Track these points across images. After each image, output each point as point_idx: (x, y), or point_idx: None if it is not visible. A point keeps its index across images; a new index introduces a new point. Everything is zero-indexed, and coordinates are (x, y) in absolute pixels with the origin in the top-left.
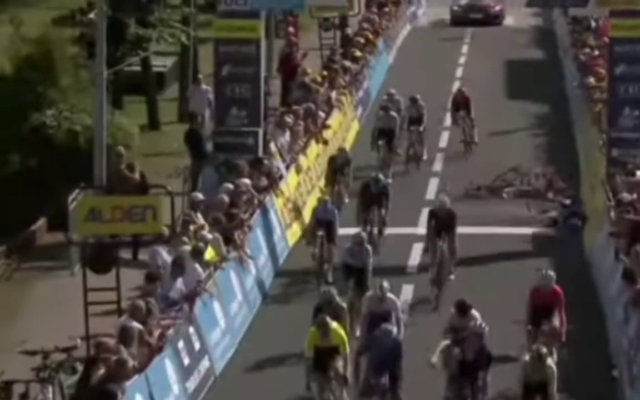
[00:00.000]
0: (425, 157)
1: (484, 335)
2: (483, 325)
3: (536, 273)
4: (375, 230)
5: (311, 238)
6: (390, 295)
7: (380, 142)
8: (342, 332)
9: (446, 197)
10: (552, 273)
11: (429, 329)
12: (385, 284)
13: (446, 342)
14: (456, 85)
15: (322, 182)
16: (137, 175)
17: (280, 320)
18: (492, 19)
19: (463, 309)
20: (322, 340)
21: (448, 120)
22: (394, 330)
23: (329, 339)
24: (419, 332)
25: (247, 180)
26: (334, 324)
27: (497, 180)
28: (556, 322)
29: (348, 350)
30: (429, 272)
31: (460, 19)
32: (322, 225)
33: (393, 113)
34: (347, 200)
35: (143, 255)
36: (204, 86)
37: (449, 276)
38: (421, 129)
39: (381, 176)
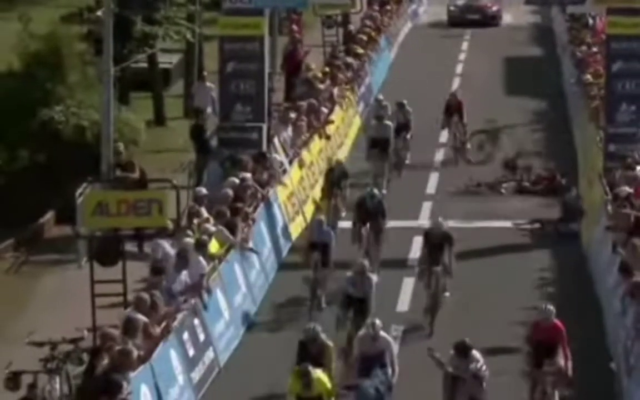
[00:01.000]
0: (408, 161)
1: (484, 380)
2: (484, 368)
3: (536, 309)
4: (372, 252)
5: (305, 260)
6: (383, 334)
7: (374, 152)
8: (326, 380)
9: (441, 218)
10: (551, 307)
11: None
12: (378, 322)
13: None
14: (456, 82)
15: (317, 191)
16: (136, 172)
17: (283, 312)
18: (489, 20)
19: (463, 350)
20: (305, 390)
21: None
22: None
23: (311, 390)
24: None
25: (247, 175)
26: (317, 373)
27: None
28: (560, 360)
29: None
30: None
31: (457, 20)
32: (317, 247)
33: (387, 122)
34: (344, 214)
35: (148, 248)
36: (208, 83)
37: (443, 293)
38: (408, 136)
39: (376, 191)
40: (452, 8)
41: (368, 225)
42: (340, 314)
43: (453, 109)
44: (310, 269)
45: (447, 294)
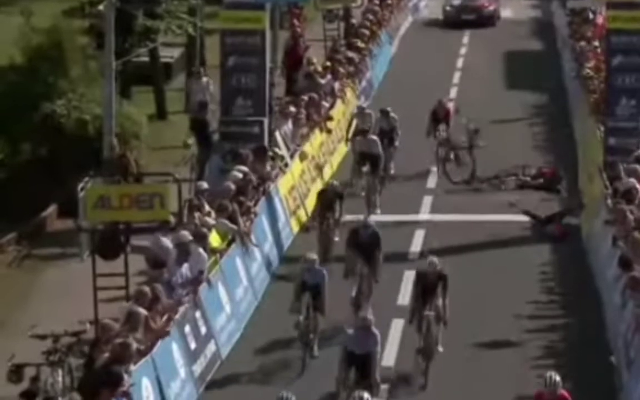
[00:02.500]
0: (392, 171)
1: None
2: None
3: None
4: (365, 286)
5: (294, 303)
6: None
7: (364, 169)
8: None
9: (435, 258)
10: (557, 378)
11: None
12: (366, 395)
13: None
14: (457, 76)
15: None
16: (131, 164)
17: (284, 306)
18: (485, 20)
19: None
20: None
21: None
22: None
23: None
24: None
25: (244, 168)
26: None
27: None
28: None
29: None
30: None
31: (452, 20)
32: (308, 289)
33: (373, 136)
34: (337, 238)
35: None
36: (204, 79)
37: (436, 346)
38: (396, 144)
39: (371, 221)
40: (447, 8)
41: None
42: (340, 375)
43: (440, 117)
44: (300, 314)
45: (440, 348)
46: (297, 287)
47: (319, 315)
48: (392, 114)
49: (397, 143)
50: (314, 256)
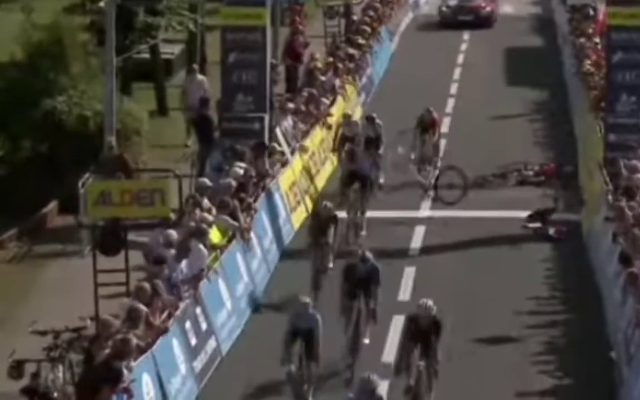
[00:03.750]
0: (382, 180)
1: None
2: None
3: None
4: (362, 322)
5: (285, 351)
6: None
7: (354, 186)
8: None
9: (430, 301)
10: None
11: None
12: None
13: None
14: (457, 72)
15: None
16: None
17: (285, 302)
18: (482, 21)
19: None
20: None
21: (450, 106)
22: None
23: None
24: None
25: (244, 164)
26: None
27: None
28: None
29: None
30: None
31: (448, 21)
32: (300, 336)
33: (363, 155)
34: (331, 265)
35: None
36: (199, 77)
37: (429, 394)
38: (380, 151)
39: (369, 254)
40: (443, 9)
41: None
42: None
43: (427, 126)
44: (292, 364)
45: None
46: (286, 334)
47: (312, 364)
48: (377, 121)
49: (381, 150)
50: (306, 299)
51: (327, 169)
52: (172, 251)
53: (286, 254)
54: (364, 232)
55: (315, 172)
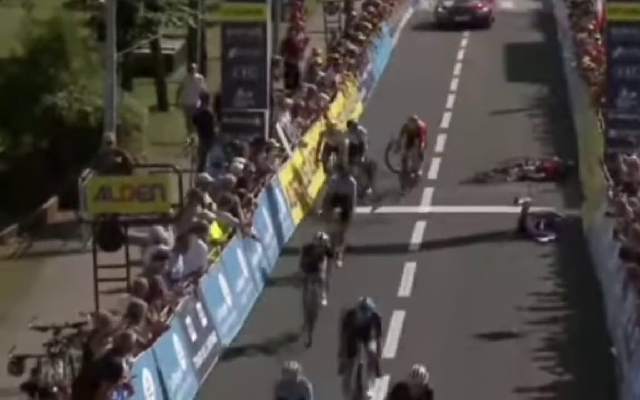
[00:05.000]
0: (370, 190)
1: None
2: None
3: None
4: (363, 375)
5: None
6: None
7: (336, 211)
8: None
9: (423, 368)
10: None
11: None
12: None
13: None
14: (458, 68)
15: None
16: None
17: (285, 297)
18: (479, 21)
19: None
20: None
21: (450, 102)
22: None
23: None
24: None
25: (242, 160)
26: None
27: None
28: None
29: None
30: None
31: (444, 22)
32: None
33: (351, 178)
34: (325, 302)
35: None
36: (197, 75)
37: None
38: (363, 159)
39: (370, 301)
40: (440, 9)
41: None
42: None
43: (412, 135)
44: None
45: None
46: None
47: None
48: (359, 127)
49: (363, 158)
50: (294, 366)
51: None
52: (162, 246)
53: (286, 250)
54: (340, 263)
55: (314, 168)
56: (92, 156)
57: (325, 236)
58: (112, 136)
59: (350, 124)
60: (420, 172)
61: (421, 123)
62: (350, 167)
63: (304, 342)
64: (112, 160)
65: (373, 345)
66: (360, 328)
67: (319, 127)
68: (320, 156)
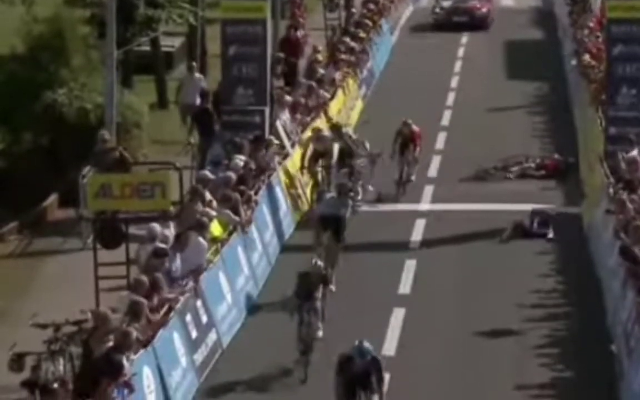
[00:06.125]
0: (360, 196)
1: None
2: None
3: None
4: None
5: None
6: None
7: (325, 233)
8: None
9: (367, 343)
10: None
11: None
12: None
13: None
14: (458, 65)
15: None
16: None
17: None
18: (478, 22)
19: None
20: None
21: (450, 99)
22: None
23: None
24: None
25: (242, 157)
26: None
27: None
28: None
29: None
30: None
31: (442, 23)
32: None
33: (343, 197)
34: (320, 333)
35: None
36: (197, 75)
37: None
38: (354, 161)
39: (368, 345)
40: (437, 10)
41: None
42: None
43: (406, 140)
44: None
45: None
46: None
47: None
48: (344, 130)
49: (359, 160)
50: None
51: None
52: (158, 244)
53: (287, 247)
54: (333, 287)
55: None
56: (90, 155)
57: (320, 263)
58: (107, 134)
59: (335, 128)
60: (413, 178)
61: (415, 128)
62: (337, 176)
63: (298, 377)
64: (111, 158)
65: (375, 398)
66: (360, 375)
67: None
68: (307, 163)
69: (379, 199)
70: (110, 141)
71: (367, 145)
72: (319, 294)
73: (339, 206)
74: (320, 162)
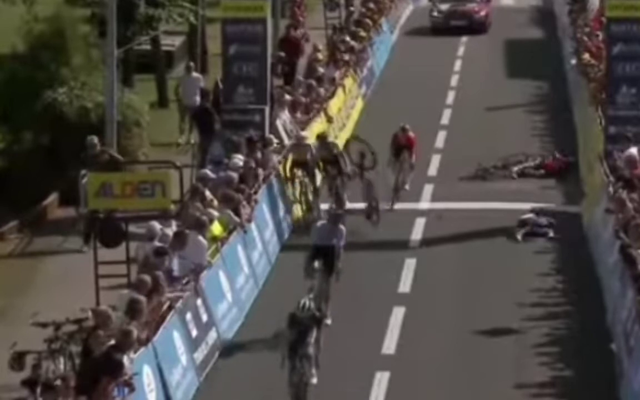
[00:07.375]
0: (347, 205)
1: None
2: None
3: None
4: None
5: None
6: None
7: (316, 265)
8: None
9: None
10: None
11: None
12: None
13: None
14: (458, 64)
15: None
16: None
17: (285, 293)
18: (476, 26)
19: None
20: None
21: (450, 98)
22: None
23: None
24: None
25: (241, 156)
26: None
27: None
28: None
29: None
30: None
31: (440, 27)
32: None
33: (340, 226)
34: (314, 380)
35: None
36: (194, 74)
37: None
38: (348, 169)
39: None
40: (435, 14)
41: None
42: None
43: (401, 146)
44: None
45: None
46: None
47: None
48: (329, 140)
49: (349, 169)
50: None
51: None
52: (157, 243)
53: (286, 246)
54: (329, 321)
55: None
56: (79, 162)
57: (310, 304)
58: (96, 138)
59: (320, 137)
60: (407, 187)
61: (411, 134)
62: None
63: None
64: (101, 161)
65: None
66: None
67: (320, 124)
68: (288, 174)
69: (369, 216)
70: (99, 145)
71: (370, 155)
72: (312, 338)
73: (331, 236)
74: (299, 172)
